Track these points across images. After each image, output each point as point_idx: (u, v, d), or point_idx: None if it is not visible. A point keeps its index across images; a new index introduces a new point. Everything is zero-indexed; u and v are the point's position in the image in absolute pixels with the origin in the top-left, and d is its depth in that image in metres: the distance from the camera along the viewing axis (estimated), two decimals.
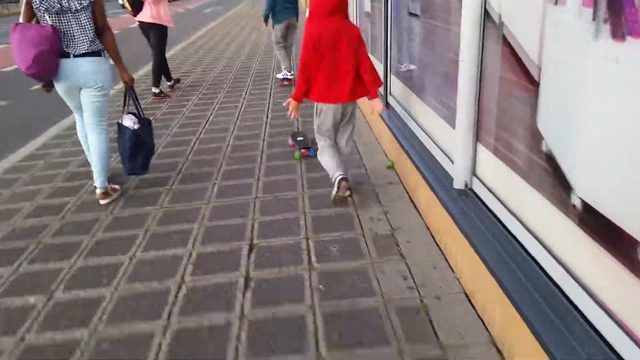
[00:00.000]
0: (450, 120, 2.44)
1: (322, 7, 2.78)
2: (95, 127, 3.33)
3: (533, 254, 1.80)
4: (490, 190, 2.10)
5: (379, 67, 4.16)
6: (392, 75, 3.75)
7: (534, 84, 1.67)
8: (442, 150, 2.57)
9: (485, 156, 2.12)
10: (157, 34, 6.20)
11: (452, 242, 2.33)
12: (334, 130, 3.13)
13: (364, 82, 2.95)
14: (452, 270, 2.34)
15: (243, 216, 3.08)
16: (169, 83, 6.82)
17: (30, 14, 3.06)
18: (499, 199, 2.04)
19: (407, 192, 3.21)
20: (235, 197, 3.35)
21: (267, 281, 2.40)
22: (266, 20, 6.62)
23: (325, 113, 3.04)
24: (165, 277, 2.50)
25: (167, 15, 6.16)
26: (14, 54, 3.01)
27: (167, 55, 6.78)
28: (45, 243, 2.94)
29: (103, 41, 3.23)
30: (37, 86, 3.91)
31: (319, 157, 3.20)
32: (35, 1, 2.99)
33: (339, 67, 2.86)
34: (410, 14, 3.06)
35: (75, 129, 3.71)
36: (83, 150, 4.46)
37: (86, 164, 4.16)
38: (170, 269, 2.57)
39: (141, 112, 3.56)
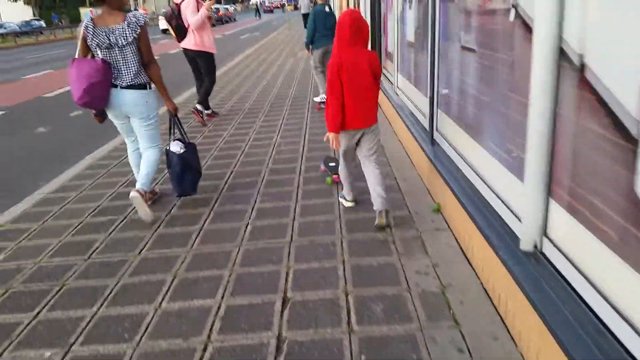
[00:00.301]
0: (515, 170, 2.15)
1: (343, 38, 2.95)
2: (149, 149, 3.60)
3: (622, 340, 1.48)
4: (565, 256, 1.80)
5: (424, 101, 3.92)
6: (439, 110, 3.49)
7: (632, 140, 1.39)
8: (503, 202, 2.28)
9: (559, 215, 1.83)
10: (206, 62, 6.39)
11: (516, 311, 2.02)
12: (354, 150, 3.26)
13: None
14: (516, 343, 2.02)
15: (277, 262, 2.84)
16: (207, 112, 6.78)
17: (86, 50, 3.34)
18: (576, 268, 1.73)
19: (457, 241, 2.91)
20: (268, 240, 3.12)
21: (302, 344, 2.14)
22: (308, 47, 6.79)
23: (348, 138, 3.15)
24: (191, 333, 2.28)
25: (210, 42, 6.34)
26: (70, 86, 3.28)
27: None
28: (69, 286, 2.78)
29: (149, 73, 3.45)
30: (77, 112, 4.24)
31: (339, 170, 3.44)
32: (89, 38, 3.26)
33: (364, 92, 3.00)
34: (464, 47, 2.81)
35: (108, 158, 3.59)
36: (116, 182, 4.41)
37: (118, 197, 4.05)
38: (197, 323, 2.35)
39: (186, 138, 3.79)
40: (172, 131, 3.72)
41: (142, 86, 3.39)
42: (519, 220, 2.03)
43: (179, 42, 6.35)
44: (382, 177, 3.17)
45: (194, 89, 6.97)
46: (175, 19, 6.21)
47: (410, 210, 3.41)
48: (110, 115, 3.49)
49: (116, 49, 3.26)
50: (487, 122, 2.54)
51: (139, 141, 3.58)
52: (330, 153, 4.71)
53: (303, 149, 5.05)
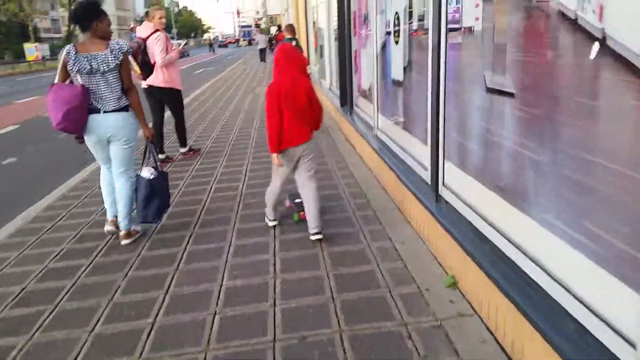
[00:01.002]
0: (609, 266, 1.54)
1: (279, 65, 3.29)
2: (122, 175, 3.60)
3: None
4: None
5: (422, 149, 3.35)
6: (446, 161, 2.91)
7: None
8: (589, 308, 1.64)
9: None
10: (174, 99, 6.02)
11: None
12: (285, 176, 3.55)
13: (316, 120, 3.41)
14: None
15: None
16: (161, 156, 6.10)
17: (65, 75, 3.38)
18: None
19: (492, 333, 2.28)
20: (244, 340, 2.38)
21: None
22: None
23: (288, 158, 3.39)
24: None
25: (178, 78, 5.97)
26: (48, 110, 3.29)
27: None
28: None
29: (128, 99, 3.50)
30: (10, 159, 3.28)
31: (266, 192, 3.67)
32: (70, 64, 3.30)
33: (301, 112, 3.27)
34: (492, 90, 2.25)
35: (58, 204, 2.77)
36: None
37: (81, 240, 3.18)
38: None
39: (158, 166, 3.78)
40: (145, 157, 3.75)
41: (125, 109, 3.47)
42: (631, 344, 1.41)
43: (144, 79, 5.79)
44: (319, 198, 3.45)
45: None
46: (141, 54, 5.64)
47: (419, 285, 2.77)
48: (89, 142, 3.48)
49: (98, 75, 3.33)
50: (542, 189, 1.94)
51: (113, 166, 3.61)
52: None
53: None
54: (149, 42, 5.66)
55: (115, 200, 3.62)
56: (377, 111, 4.79)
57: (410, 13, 3.48)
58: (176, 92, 6.01)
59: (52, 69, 37.53)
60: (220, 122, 8.94)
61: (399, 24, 3.79)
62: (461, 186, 2.73)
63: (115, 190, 3.61)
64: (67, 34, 62.69)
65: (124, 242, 3.60)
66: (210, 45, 56.63)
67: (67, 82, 3.39)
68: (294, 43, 8.30)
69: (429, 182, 3.14)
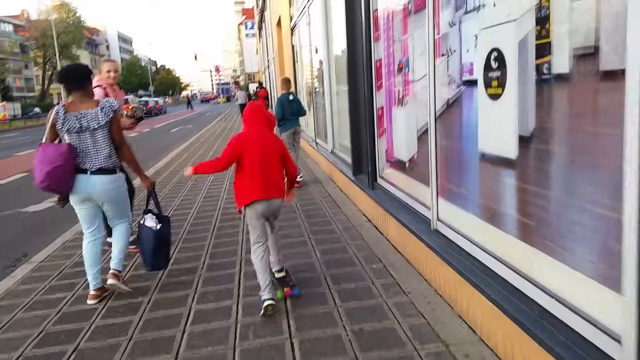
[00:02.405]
0: None
1: (245, 120, 3.31)
2: (120, 224, 3.63)
3: None
4: None
5: (594, 292, 1.83)
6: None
7: None
8: None
9: None
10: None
11: None
12: (265, 232, 3.30)
13: (289, 180, 3.45)
14: None
15: None
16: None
17: (54, 135, 3.36)
18: None
19: None
20: None
21: None
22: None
23: (258, 213, 3.18)
24: None
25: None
26: (34, 169, 3.26)
27: None
28: None
29: (121, 155, 3.49)
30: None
31: (252, 258, 3.26)
32: (59, 123, 3.30)
33: (269, 165, 3.19)
34: None
35: None
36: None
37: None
38: None
39: (161, 211, 3.75)
40: (148, 205, 3.76)
41: (111, 171, 3.42)
42: None
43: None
44: (279, 243, 3.52)
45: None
46: None
47: None
48: (74, 201, 3.43)
49: (87, 133, 3.31)
50: None
51: (110, 219, 3.60)
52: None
53: (289, 325, 2.76)
54: None
55: (99, 272, 3.52)
56: (437, 196, 3.29)
57: (545, 46, 2.05)
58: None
59: (18, 129, 35.96)
60: (201, 191, 7.38)
61: (502, 67, 2.37)
62: None
63: (98, 259, 3.53)
64: (40, 92, 61.28)
65: (110, 281, 3.46)
66: (189, 102, 55.87)
67: (56, 141, 3.36)
68: (290, 97, 7.06)
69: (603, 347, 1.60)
